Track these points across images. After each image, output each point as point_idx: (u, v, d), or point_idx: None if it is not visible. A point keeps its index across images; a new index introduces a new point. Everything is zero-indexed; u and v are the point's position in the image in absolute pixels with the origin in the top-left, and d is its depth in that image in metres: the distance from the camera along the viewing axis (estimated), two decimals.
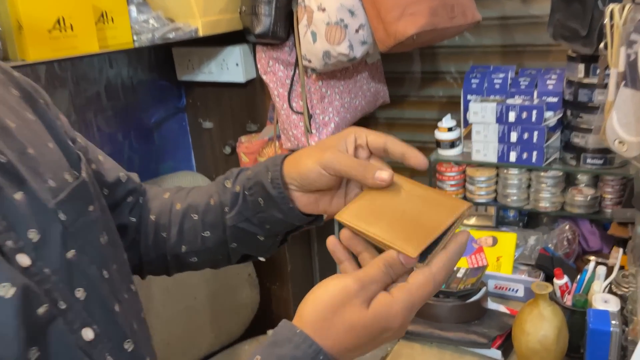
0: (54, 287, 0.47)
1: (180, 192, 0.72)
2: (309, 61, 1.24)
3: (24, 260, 0.45)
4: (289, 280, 1.74)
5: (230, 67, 1.47)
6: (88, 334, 0.48)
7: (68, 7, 1.00)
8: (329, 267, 1.89)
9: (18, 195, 0.47)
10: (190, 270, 0.73)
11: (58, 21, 0.99)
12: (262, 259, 0.71)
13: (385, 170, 0.56)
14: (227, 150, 1.64)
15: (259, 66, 1.35)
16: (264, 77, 1.35)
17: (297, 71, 1.31)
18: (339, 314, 0.47)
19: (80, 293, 0.49)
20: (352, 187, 0.61)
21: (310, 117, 1.34)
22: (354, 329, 0.47)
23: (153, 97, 1.57)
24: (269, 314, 1.75)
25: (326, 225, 1.79)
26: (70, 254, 0.49)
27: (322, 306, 0.47)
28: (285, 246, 1.66)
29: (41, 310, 0.44)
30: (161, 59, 1.57)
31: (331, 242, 0.55)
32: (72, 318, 0.47)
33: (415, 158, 0.56)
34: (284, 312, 1.77)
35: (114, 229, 0.60)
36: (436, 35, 1.20)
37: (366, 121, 1.82)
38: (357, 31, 1.18)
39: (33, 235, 0.46)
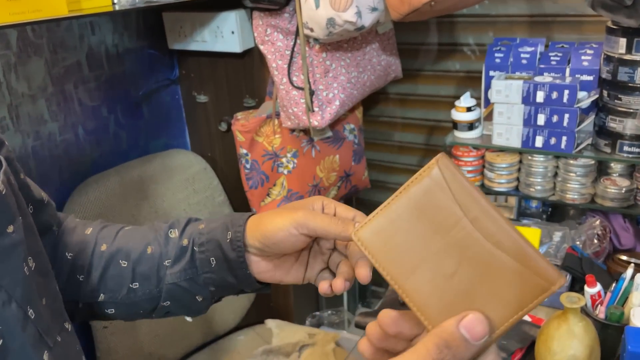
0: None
1: (107, 229, 0.62)
2: (311, 30, 1.10)
3: None
4: None
5: (225, 35, 1.32)
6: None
7: None
8: None
9: None
10: (98, 320, 0.67)
11: None
12: (188, 319, 0.64)
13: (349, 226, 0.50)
14: (223, 127, 1.51)
15: (255, 35, 1.20)
16: (261, 47, 1.21)
17: (297, 41, 1.17)
18: None
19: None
20: (316, 259, 0.56)
21: (312, 93, 1.19)
22: None
23: (142, 67, 1.43)
24: (266, 302, 1.65)
25: None
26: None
27: None
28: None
29: None
30: (151, 25, 1.42)
31: (363, 348, 0.43)
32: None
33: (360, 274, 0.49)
34: (282, 301, 1.66)
35: (44, 253, 0.48)
36: (457, 2, 1.05)
37: (376, 97, 1.67)
38: None
39: None
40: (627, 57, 1.07)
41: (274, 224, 0.52)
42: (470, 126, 1.28)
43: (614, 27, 1.09)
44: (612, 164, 1.17)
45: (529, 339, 0.92)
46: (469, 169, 1.29)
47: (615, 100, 1.11)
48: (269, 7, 1.14)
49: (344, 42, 1.21)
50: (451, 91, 1.57)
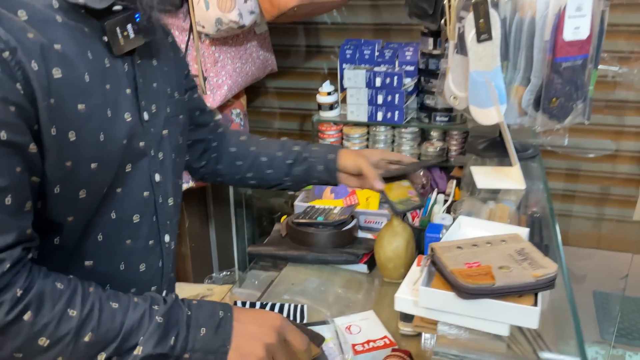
0: (151, 140, 0.70)
1: (253, 138, 1.05)
2: (203, 27, 1.39)
3: (145, 116, 0.69)
4: (186, 237, 1.88)
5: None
6: (156, 177, 0.72)
7: None
8: (224, 225, 2.05)
9: (155, 84, 0.72)
10: (245, 187, 1.25)
11: None
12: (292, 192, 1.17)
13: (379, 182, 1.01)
14: None
15: None
16: None
17: (191, 36, 1.45)
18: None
19: (160, 155, 0.73)
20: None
21: (205, 79, 1.48)
22: (254, 313, 0.69)
23: None
24: None
25: (221, 188, 1.95)
26: (165, 132, 0.74)
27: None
28: (183, 204, 1.80)
29: (141, 144, 0.68)
30: None
31: None
32: (152, 163, 0.71)
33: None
34: (181, 268, 1.90)
35: (186, 139, 0.84)
36: (314, 8, 1.40)
37: (257, 90, 1.99)
38: (245, 1, 1.35)
39: (153, 108, 0.71)
40: (434, 52, 1.51)
41: (352, 159, 1.02)
42: (331, 107, 1.65)
43: (425, 30, 1.52)
44: (431, 131, 1.61)
45: (372, 248, 1.28)
46: (332, 140, 1.66)
47: (429, 84, 1.54)
48: (166, 9, 1.41)
49: (229, 38, 1.51)
50: (318, 85, 1.93)
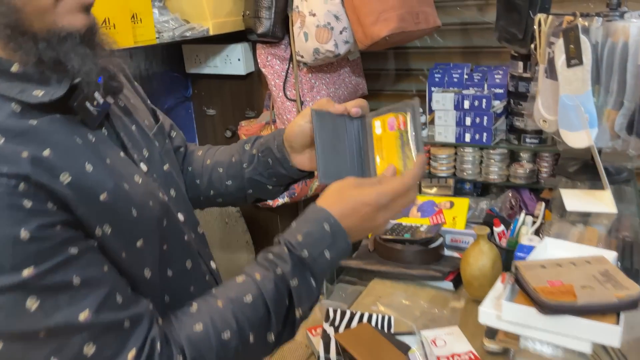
0: (160, 186, 0.72)
1: (210, 150, 0.95)
2: (302, 56, 1.52)
3: (144, 167, 0.71)
4: None
5: (233, 61, 1.73)
6: (180, 217, 0.75)
7: (112, 10, 1.25)
8: None
9: (133, 127, 0.73)
10: (217, 206, 0.98)
11: (104, 21, 1.24)
12: (270, 202, 0.97)
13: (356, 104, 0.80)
14: (228, 134, 1.90)
15: (259, 61, 1.62)
16: (263, 70, 1.62)
17: (291, 65, 1.59)
18: (338, 192, 0.70)
19: (172, 192, 0.76)
20: None
21: (302, 103, 1.61)
22: (344, 199, 0.69)
23: (165, 87, 1.83)
24: None
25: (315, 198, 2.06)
26: (166, 167, 0.76)
27: (328, 190, 0.71)
28: (278, 217, 1.93)
29: (160, 195, 0.70)
30: (172, 54, 1.82)
31: None
32: (172, 206, 0.73)
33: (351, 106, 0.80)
34: None
35: (175, 160, 0.86)
36: (404, 37, 1.48)
37: None
38: (341, 32, 1.46)
39: (145, 152, 0.72)
40: (524, 75, 1.53)
41: (292, 123, 0.80)
42: None
43: (515, 54, 1.54)
44: (520, 152, 1.62)
45: (458, 266, 1.32)
46: None
47: (518, 106, 1.56)
48: (270, 41, 1.56)
49: (324, 65, 1.63)
50: None
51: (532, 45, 1.36)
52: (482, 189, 1.72)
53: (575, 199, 1.19)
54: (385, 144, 0.77)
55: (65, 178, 0.55)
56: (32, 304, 0.51)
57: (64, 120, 0.60)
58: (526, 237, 1.23)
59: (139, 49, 1.69)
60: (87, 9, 0.60)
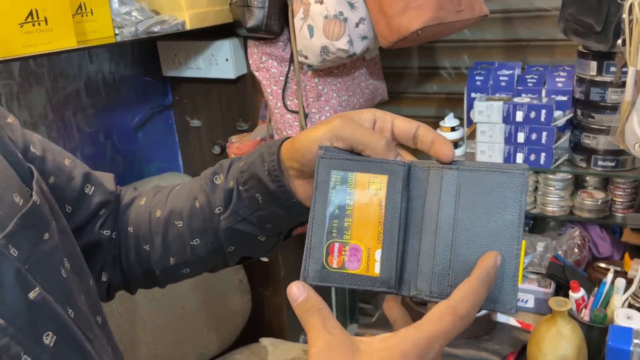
0: (13, 341, 0.39)
1: (158, 195, 0.62)
2: (305, 57, 1.16)
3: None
4: (281, 286, 1.66)
5: (219, 62, 1.38)
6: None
7: (43, 1, 0.90)
8: None
9: None
10: (183, 279, 0.64)
11: (30, 14, 0.89)
12: (264, 259, 0.62)
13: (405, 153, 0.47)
14: (217, 150, 1.55)
15: (250, 62, 1.26)
16: (256, 73, 1.27)
17: (292, 68, 1.23)
18: None
19: (49, 339, 0.42)
20: None
21: (306, 116, 1.25)
22: None
23: (137, 94, 1.48)
24: (261, 320, 1.68)
25: None
26: (33, 294, 0.42)
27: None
28: (279, 253, 1.59)
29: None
30: (145, 54, 1.47)
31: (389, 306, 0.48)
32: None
33: (442, 146, 0.45)
34: (276, 319, 1.69)
35: (78, 253, 0.52)
36: (442, 29, 1.13)
37: None
38: (357, 25, 1.10)
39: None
40: (598, 78, 1.16)
41: (308, 137, 0.47)
42: (455, 145, 1.36)
43: (585, 51, 1.18)
44: (587, 178, 1.26)
45: (520, 343, 0.98)
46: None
47: (589, 119, 1.20)
48: (265, 36, 1.20)
49: (334, 68, 1.27)
50: (432, 112, 1.65)
51: (619, 41, 1.00)
52: (535, 223, 1.37)
53: None
54: None
55: None
56: None
57: None
58: (621, 312, 0.88)
59: (101, 49, 1.34)
60: None
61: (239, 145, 1.39)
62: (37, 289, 0.42)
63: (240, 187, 0.54)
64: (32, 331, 0.41)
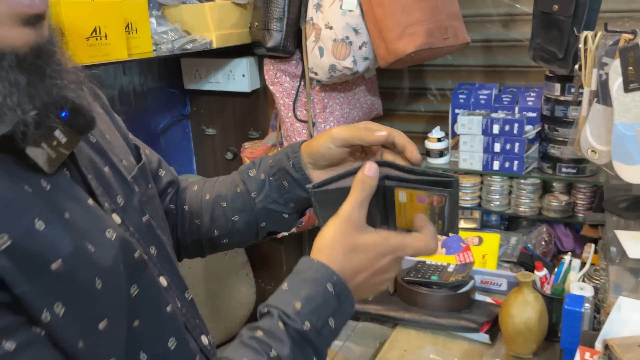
0: (138, 242, 0.57)
1: (207, 183, 0.82)
2: (315, 74, 1.36)
3: (117, 219, 0.56)
4: (283, 281, 1.83)
5: (237, 77, 1.57)
6: (163, 281, 0.60)
7: (104, 17, 1.09)
8: None
9: (106, 169, 0.58)
10: (222, 250, 0.83)
11: (95, 30, 1.08)
12: (285, 233, 0.88)
13: (383, 129, 0.67)
14: (229, 155, 1.73)
15: (266, 77, 1.46)
16: (271, 87, 1.46)
17: (302, 83, 1.43)
18: (342, 241, 0.57)
19: (153, 250, 0.61)
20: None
21: (313, 124, 1.45)
22: (355, 249, 0.57)
23: (161, 104, 1.66)
24: None
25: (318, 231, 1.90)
26: (145, 218, 0.61)
27: (328, 239, 0.58)
28: (282, 248, 1.76)
29: (136, 255, 0.54)
30: (170, 68, 1.66)
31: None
32: (151, 267, 0.58)
33: (411, 152, 0.67)
34: None
35: (162, 208, 0.70)
36: (431, 53, 1.34)
37: None
38: (360, 48, 1.31)
39: (120, 200, 0.58)
40: (562, 98, 1.38)
41: (317, 142, 0.69)
42: (441, 154, 1.56)
43: (551, 75, 1.40)
44: (554, 183, 1.46)
45: (494, 314, 1.16)
46: None
47: (554, 132, 1.41)
48: (281, 55, 1.40)
49: (338, 84, 1.48)
50: (421, 128, 1.85)
51: (577, 66, 1.22)
52: (510, 222, 1.57)
53: (636, 244, 1.03)
54: (409, 212, 0.64)
55: (3, 242, 0.41)
56: None
57: (12, 165, 0.45)
58: (575, 284, 1.07)
59: (133, 62, 1.53)
60: (30, 21, 0.44)
61: (252, 150, 1.58)
62: (147, 215, 0.61)
63: (270, 178, 0.74)
64: (144, 241, 0.59)
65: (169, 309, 0.58)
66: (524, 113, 1.45)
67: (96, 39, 1.08)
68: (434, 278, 1.22)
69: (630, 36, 1.05)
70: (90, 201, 0.52)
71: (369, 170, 0.59)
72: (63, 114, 0.48)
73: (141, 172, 0.64)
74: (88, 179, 0.54)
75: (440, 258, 1.36)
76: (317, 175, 0.71)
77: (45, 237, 0.44)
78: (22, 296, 0.41)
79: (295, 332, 0.53)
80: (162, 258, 0.61)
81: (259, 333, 0.53)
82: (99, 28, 1.08)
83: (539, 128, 1.45)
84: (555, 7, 1.27)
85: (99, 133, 0.61)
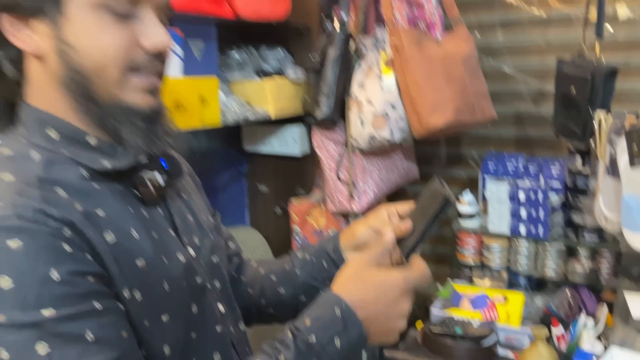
0: (204, 273, 0.74)
1: (264, 261, 0.96)
2: (356, 141, 1.55)
3: (192, 252, 0.73)
4: None
5: (289, 142, 1.79)
6: (221, 307, 0.75)
7: (183, 92, 1.33)
8: None
9: (190, 217, 0.76)
10: (265, 322, 0.95)
11: (176, 102, 1.32)
12: None
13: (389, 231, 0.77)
14: (279, 211, 1.92)
15: (314, 143, 1.66)
16: (317, 151, 1.66)
17: (345, 149, 1.62)
18: (357, 274, 0.68)
19: (217, 283, 0.77)
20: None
21: (353, 185, 1.63)
22: (366, 283, 0.67)
23: (223, 164, 1.89)
24: None
25: None
26: (215, 259, 0.78)
27: (345, 272, 0.70)
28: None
29: (198, 279, 0.70)
30: (232, 132, 1.90)
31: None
32: (212, 294, 0.74)
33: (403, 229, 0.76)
34: None
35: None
36: (460, 127, 1.50)
37: (397, 196, 2.10)
38: (397, 121, 1.50)
39: (196, 240, 0.75)
40: (583, 170, 1.50)
41: (358, 230, 0.83)
42: (471, 216, 1.69)
43: (572, 149, 1.53)
44: (578, 249, 1.56)
45: None
46: (470, 249, 1.68)
47: (577, 201, 1.52)
48: (327, 125, 1.61)
49: (377, 150, 1.66)
50: (456, 191, 1.98)
51: (592, 141, 1.35)
52: (537, 284, 1.66)
53: None
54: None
55: (110, 237, 0.59)
56: (42, 348, 0.52)
57: (124, 192, 0.65)
58: (588, 342, 1.16)
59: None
60: (152, 91, 0.65)
61: (299, 206, 1.77)
62: (217, 257, 0.78)
63: (313, 259, 0.88)
64: (210, 275, 0.76)
65: (219, 329, 0.72)
66: (549, 182, 1.58)
67: (177, 109, 1.32)
68: (458, 330, 1.33)
69: (633, 117, 1.18)
70: (172, 232, 0.69)
71: (389, 239, 0.74)
72: (162, 161, 0.68)
73: (215, 228, 0.82)
74: (174, 217, 0.71)
75: (466, 313, 1.47)
76: (352, 255, 0.83)
77: (137, 242, 0.62)
78: (113, 276, 0.58)
79: (302, 343, 0.63)
80: (224, 291, 0.77)
81: (275, 342, 0.65)
82: (179, 101, 1.32)
83: (563, 197, 1.56)
84: (573, 89, 1.42)
85: (186, 189, 0.78)
